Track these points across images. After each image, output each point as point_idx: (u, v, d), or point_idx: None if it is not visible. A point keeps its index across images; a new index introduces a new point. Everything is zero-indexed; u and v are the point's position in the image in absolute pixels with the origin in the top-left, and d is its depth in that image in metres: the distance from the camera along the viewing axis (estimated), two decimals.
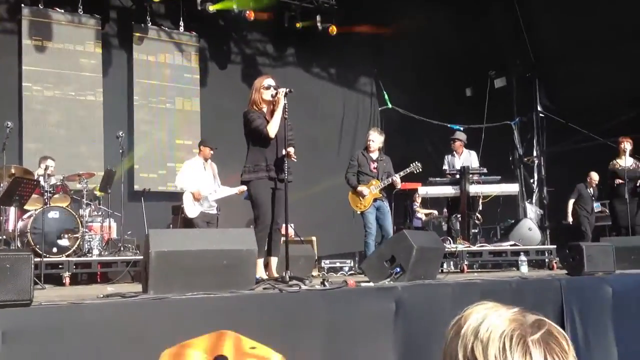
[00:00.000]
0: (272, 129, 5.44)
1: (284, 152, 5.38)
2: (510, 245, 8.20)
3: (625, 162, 8.61)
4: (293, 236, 9.21)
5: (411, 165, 7.97)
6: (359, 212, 7.84)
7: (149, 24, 11.21)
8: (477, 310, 1.16)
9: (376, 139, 7.94)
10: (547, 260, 8.32)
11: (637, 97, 9.51)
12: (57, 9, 10.42)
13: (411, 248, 5.01)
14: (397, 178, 7.81)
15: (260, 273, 5.32)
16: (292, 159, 5.50)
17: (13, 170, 7.62)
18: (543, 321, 1.11)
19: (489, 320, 1.11)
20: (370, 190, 7.75)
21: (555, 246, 8.43)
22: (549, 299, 5.16)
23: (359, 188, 7.75)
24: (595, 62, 9.89)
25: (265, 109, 5.60)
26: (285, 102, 5.40)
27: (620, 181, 8.46)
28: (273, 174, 5.44)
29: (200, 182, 8.42)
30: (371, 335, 4.25)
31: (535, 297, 5.13)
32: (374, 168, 7.86)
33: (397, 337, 4.26)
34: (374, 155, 7.94)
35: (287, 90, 5.38)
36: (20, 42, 10.10)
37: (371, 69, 13.68)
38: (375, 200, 7.77)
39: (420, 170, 8.05)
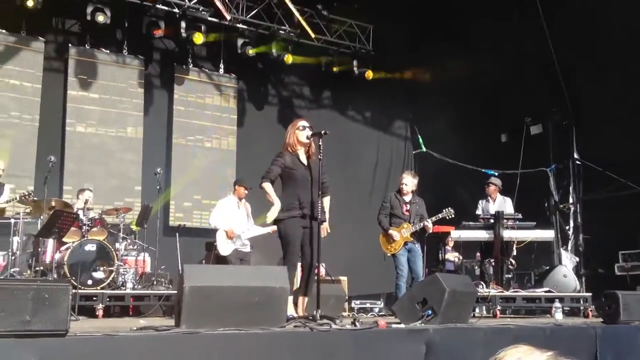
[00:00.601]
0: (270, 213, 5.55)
1: (317, 194, 5.44)
2: (545, 292, 8.08)
3: None
4: (324, 275, 9.24)
5: (444, 210, 7.98)
6: (389, 255, 7.84)
7: (190, 65, 11.54)
8: (511, 354, 1.17)
9: (409, 182, 7.98)
10: (582, 308, 8.17)
11: None
12: (103, 49, 10.81)
13: (443, 291, 5.00)
14: (429, 223, 7.82)
15: (291, 311, 5.34)
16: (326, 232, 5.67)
17: (53, 203, 7.85)
18: None
19: None
20: (402, 233, 7.78)
21: (590, 294, 8.27)
22: (584, 347, 5.08)
23: (390, 231, 7.79)
24: (633, 111, 9.83)
25: (300, 151, 5.71)
26: (321, 143, 5.49)
27: None
28: (306, 211, 5.50)
29: (234, 221, 8.53)
30: None
31: (569, 345, 5.05)
32: (407, 211, 7.88)
33: None
34: (407, 197, 7.97)
35: (323, 132, 5.48)
36: (66, 80, 10.46)
37: (406, 113, 13.79)
38: (406, 243, 7.78)
39: (453, 215, 8.03)
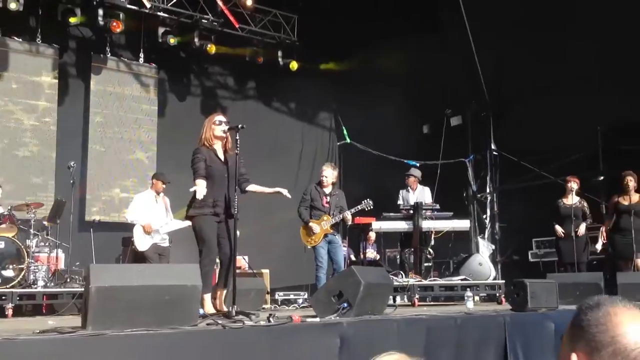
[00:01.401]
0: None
1: (234, 188, 5.38)
2: (461, 280, 8.31)
3: (572, 200, 8.83)
4: (246, 269, 9.19)
5: (363, 202, 8.09)
6: (309, 247, 7.89)
7: (109, 55, 11.18)
8: None
9: (329, 174, 8.03)
10: (497, 294, 8.45)
11: (586, 137, 9.82)
12: (15, 37, 10.33)
13: (359, 284, 5.04)
14: (348, 214, 7.92)
15: (208, 308, 5.28)
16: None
17: None
18: None
19: None
20: (322, 225, 7.85)
21: (504, 281, 8.58)
22: (493, 335, 5.24)
23: (310, 223, 7.84)
24: (548, 103, 10.19)
25: (216, 145, 5.63)
26: (238, 137, 5.43)
27: (561, 232, 8.69)
28: (219, 209, 5.44)
29: (152, 215, 8.36)
30: None
31: (479, 333, 5.21)
32: (326, 203, 7.95)
33: None
34: (327, 190, 8.03)
35: (240, 126, 5.41)
36: None
37: (331, 105, 13.85)
38: (326, 235, 7.85)
39: (372, 207, 8.15)
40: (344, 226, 8.88)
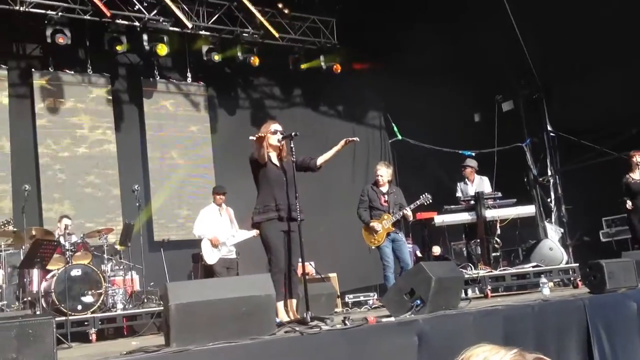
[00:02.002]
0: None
1: (294, 194, 5.44)
2: (533, 267, 8.14)
3: (638, 174, 8.56)
4: (314, 274, 9.24)
5: (421, 197, 8.04)
6: (373, 247, 7.87)
7: (157, 78, 11.45)
8: (477, 354, 1.16)
9: (384, 172, 8.00)
10: (572, 278, 8.25)
11: None
12: (67, 70, 10.69)
13: (429, 279, 5.01)
14: (408, 211, 7.87)
15: (282, 316, 5.34)
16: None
17: (34, 232, 7.77)
18: (542, 359, 1.12)
19: None
20: (383, 225, 7.82)
21: (577, 264, 8.35)
22: (573, 320, 5.12)
23: (372, 224, 7.82)
24: (600, 78, 9.92)
25: (271, 154, 5.68)
26: (292, 145, 5.48)
27: (630, 204, 8.44)
28: (283, 213, 5.48)
29: (217, 228, 8.50)
30: None
31: (559, 319, 5.09)
32: (385, 202, 7.91)
33: None
34: (384, 188, 8.00)
35: (293, 134, 5.47)
36: (33, 105, 10.33)
37: (378, 103, 13.80)
38: (388, 234, 7.82)
39: (430, 201, 8.10)
40: (406, 223, 8.84)
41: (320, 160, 5.87)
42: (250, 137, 5.38)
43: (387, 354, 4.22)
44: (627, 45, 9.23)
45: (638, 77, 9.20)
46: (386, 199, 7.93)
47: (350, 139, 5.87)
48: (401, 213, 7.81)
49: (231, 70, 12.20)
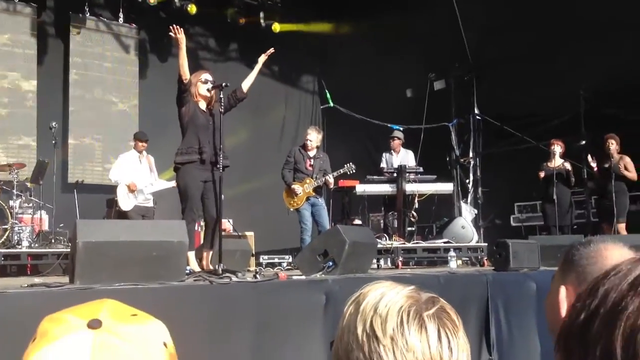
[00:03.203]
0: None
1: (219, 140, 5.38)
2: (444, 243, 8.39)
3: (555, 163, 8.92)
4: (231, 231, 9.21)
5: (345, 166, 8.13)
6: (292, 210, 7.91)
7: (88, 14, 10.94)
8: (376, 288, 1.20)
9: (314, 137, 8.04)
10: (479, 257, 8.56)
11: (568, 101, 9.86)
12: None
13: (344, 242, 5.08)
14: (330, 178, 7.96)
15: (193, 265, 5.30)
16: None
17: None
18: (437, 298, 1.16)
19: (388, 296, 1.14)
20: (304, 188, 7.87)
21: (486, 244, 8.68)
22: (476, 294, 5.32)
23: (293, 186, 7.87)
24: (531, 66, 10.20)
25: (201, 104, 5.59)
26: (222, 96, 5.41)
27: (542, 175, 8.81)
28: (206, 157, 5.41)
29: (135, 175, 8.31)
30: (301, 327, 4.29)
31: (462, 292, 5.28)
32: (310, 166, 7.97)
33: (326, 329, 4.31)
34: (312, 153, 8.05)
35: (224, 84, 5.40)
36: None
37: (314, 68, 13.76)
38: (308, 198, 7.88)
39: (354, 171, 8.21)
40: (327, 190, 8.92)
41: (244, 85, 5.89)
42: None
43: (294, 309, 4.27)
44: (558, 37, 9.52)
45: (564, 70, 9.52)
46: (311, 163, 7.99)
47: (268, 52, 6.01)
48: (323, 179, 7.88)
49: (166, 15, 11.78)
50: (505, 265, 5.77)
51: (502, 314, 5.44)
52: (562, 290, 1.37)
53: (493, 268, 6.05)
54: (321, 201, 8.06)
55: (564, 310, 1.37)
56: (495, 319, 5.34)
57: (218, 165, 5.30)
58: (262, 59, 5.84)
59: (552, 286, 1.44)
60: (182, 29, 5.45)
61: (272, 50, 5.87)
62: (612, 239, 1.43)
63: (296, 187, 7.85)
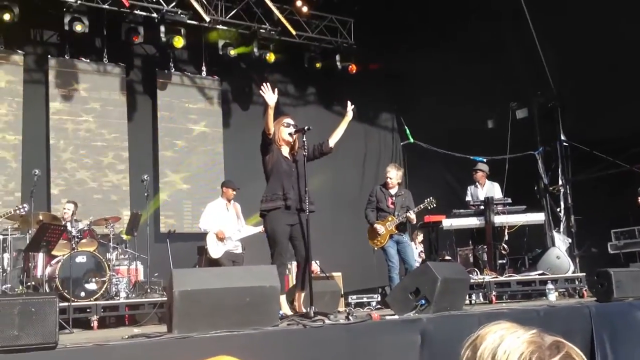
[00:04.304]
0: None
1: (304, 186, 5.43)
2: (539, 275, 8.08)
3: None
4: (318, 272, 9.23)
5: (425, 201, 8.07)
6: (376, 248, 7.95)
7: (173, 70, 11.46)
8: (494, 330, 1.14)
9: (394, 175, 8.03)
10: (577, 288, 8.19)
11: None
12: (83, 58, 10.72)
13: (435, 279, 4.99)
14: (411, 214, 7.90)
15: (285, 309, 5.33)
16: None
17: (41, 217, 7.79)
18: (562, 343, 1.09)
19: (507, 342, 1.09)
20: (386, 226, 7.86)
21: (584, 274, 8.29)
22: (578, 327, 5.08)
23: (375, 225, 7.87)
24: (616, 89, 9.85)
25: (284, 149, 5.68)
26: (305, 139, 5.47)
27: None
28: (291, 202, 5.46)
29: (223, 223, 8.50)
30: None
31: (564, 325, 5.05)
32: (392, 204, 7.96)
33: None
34: (393, 190, 8.03)
35: (306, 128, 5.47)
36: (47, 91, 10.38)
37: (391, 105, 13.79)
38: (392, 236, 7.85)
39: (435, 205, 8.11)
40: (413, 226, 8.82)
41: (332, 140, 5.90)
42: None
43: (389, 351, 4.20)
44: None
45: None
46: (393, 200, 7.95)
47: (349, 108, 5.92)
48: (405, 216, 7.83)
49: (246, 65, 12.20)
50: (608, 296, 5.49)
51: (608, 347, 5.16)
52: None
53: (595, 299, 5.76)
54: (406, 238, 8.00)
55: None
56: (601, 352, 5.07)
57: (305, 211, 5.34)
58: (349, 116, 5.85)
59: None
60: (272, 88, 5.57)
61: (351, 105, 5.91)
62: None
63: (378, 226, 7.84)
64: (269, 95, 5.48)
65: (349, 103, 5.92)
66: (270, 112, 5.50)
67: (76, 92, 10.57)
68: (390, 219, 7.85)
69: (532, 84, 11.50)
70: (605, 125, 10.00)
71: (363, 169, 13.09)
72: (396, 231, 7.85)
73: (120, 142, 10.77)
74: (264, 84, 5.57)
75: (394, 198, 7.96)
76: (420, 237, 10.63)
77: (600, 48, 9.96)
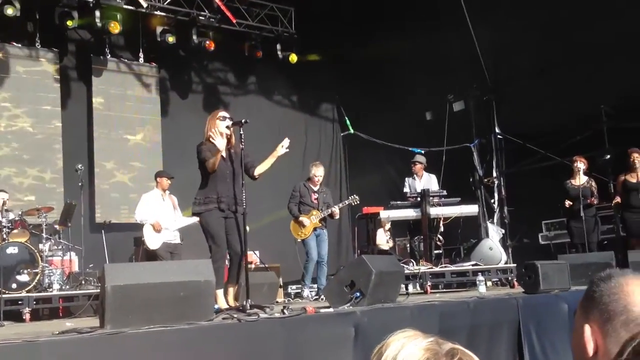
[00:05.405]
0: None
1: (240, 186, 5.42)
2: (472, 265, 8.31)
3: (579, 180, 8.82)
4: (258, 263, 9.24)
5: (349, 197, 8.85)
6: (299, 240, 8.44)
7: (108, 56, 11.18)
8: (397, 339, 1.21)
9: (321, 173, 8.61)
10: (509, 278, 8.46)
11: (590, 116, 9.78)
12: (14, 43, 10.34)
13: (370, 273, 5.06)
14: (336, 209, 8.50)
15: (221, 303, 5.32)
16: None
17: None
18: (457, 349, 1.16)
19: (406, 350, 1.15)
20: (311, 220, 8.39)
21: (515, 265, 8.58)
22: (506, 318, 5.26)
23: (301, 218, 8.38)
24: (550, 83, 10.16)
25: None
26: (242, 132, 5.44)
27: (569, 203, 8.72)
28: (224, 205, 5.46)
29: (160, 214, 8.40)
30: None
31: (493, 316, 5.23)
32: (315, 199, 8.52)
33: None
34: (316, 187, 8.58)
35: (243, 121, 5.43)
36: None
37: (332, 96, 13.84)
38: (315, 229, 8.41)
39: (358, 202, 8.84)
40: (353, 217, 9.02)
41: (257, 170, 5.73)
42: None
43: (324, 344, 4.26)
44: (576, 52, 9.49)
45: (584, 85, 9.46)
46: (316, 196, 8.54)
47: (284, 144, 5.62)
48: (329, 210, 8.43)
49: (185, 53, 12.01)
50: (535, 288, 5.70)
51: (534, 338, 5.37)
52: (587, 329, 1.37)
53: (523, 291, 5.98)
54: (325, 232, 8.56)
55: (590, 349, 1.36)
56: (529, 343, 5.27)
57: (238, 210, 5.40)
58: (280, 151, 5.60)
59: (576, 324, 1.43)
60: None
61: (287, 140, 5.70)
62: (632, 272, 1.42)
63: (304, 219, 8.38)
64: (219, 140, 5.36)
65: (286, 139, 5.64)
66: (218, 157, 5.37)
67: (7, 78, 10.19)
68: (314, 212, 8.41)
69: (468, 76, 11.75)
70: (538, 119, 10.32)
71: (303, 159, 13.10)
72: (320, 224, 8.43)
73: (54, 130, 10.45)
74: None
75: (316, 194, 8.53)
76: (388, 225, 10.71)
77: (535, 43, 10.25)
